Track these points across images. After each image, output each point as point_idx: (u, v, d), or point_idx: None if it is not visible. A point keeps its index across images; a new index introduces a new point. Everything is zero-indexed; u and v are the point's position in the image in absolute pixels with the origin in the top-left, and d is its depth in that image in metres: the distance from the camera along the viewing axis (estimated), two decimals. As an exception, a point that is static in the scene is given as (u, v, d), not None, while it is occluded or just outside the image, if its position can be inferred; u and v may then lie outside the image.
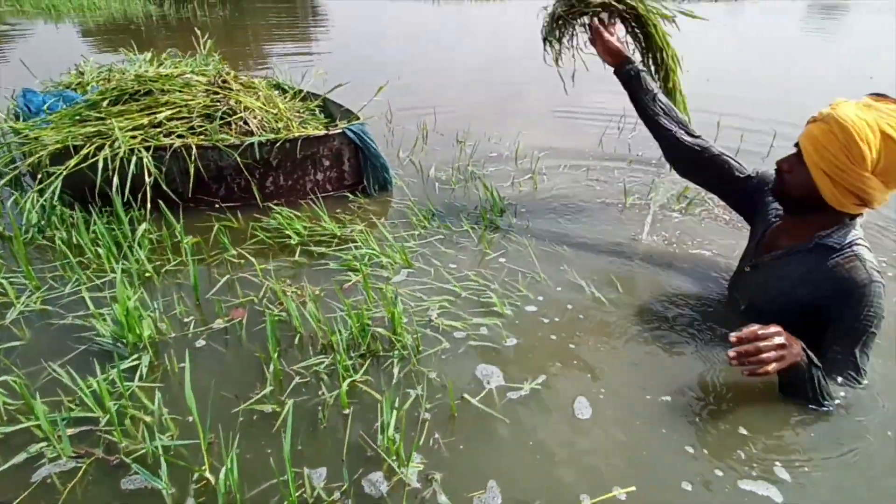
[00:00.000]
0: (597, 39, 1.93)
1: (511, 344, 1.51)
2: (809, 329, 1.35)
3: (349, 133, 2.56)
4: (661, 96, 1.86)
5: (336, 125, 2.86)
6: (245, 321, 1.62)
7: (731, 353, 1.19)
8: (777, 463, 1.18)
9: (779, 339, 1.19)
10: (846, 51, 8.28)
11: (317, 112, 3.15)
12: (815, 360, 1.26)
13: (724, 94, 4.67)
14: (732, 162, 1.75)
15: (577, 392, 1.35)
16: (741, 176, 1.73)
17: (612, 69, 1.94)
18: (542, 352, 1.50)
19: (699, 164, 1.79)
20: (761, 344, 1.18)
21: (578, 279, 1.84)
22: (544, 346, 1.52)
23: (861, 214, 1.40)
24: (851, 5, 17.47)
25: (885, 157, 1.24)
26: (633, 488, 1.10)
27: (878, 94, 1.33)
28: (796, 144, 1.40)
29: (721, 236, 2.22)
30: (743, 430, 1.25)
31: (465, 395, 1.32)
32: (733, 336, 1.20)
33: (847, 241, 1.37)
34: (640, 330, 1.61)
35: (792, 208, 1.49)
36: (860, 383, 1.33)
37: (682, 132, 1.81)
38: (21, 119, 2.73)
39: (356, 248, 2.01)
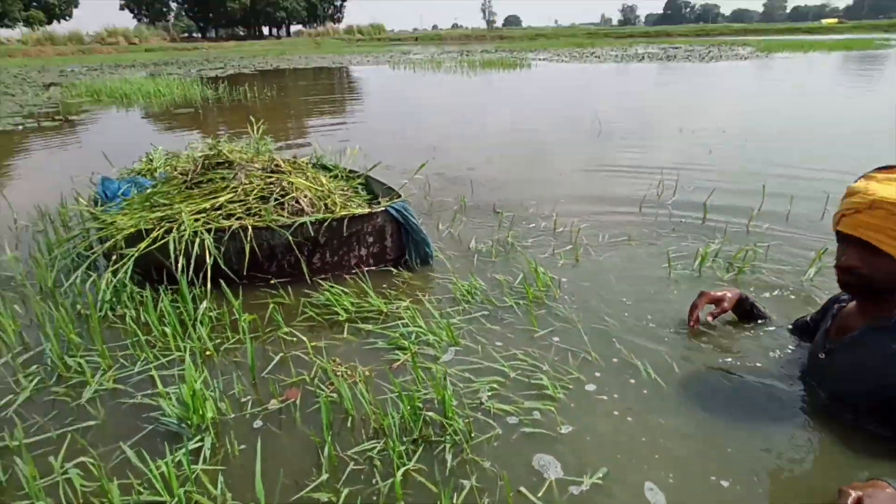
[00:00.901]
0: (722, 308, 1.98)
1: (567, 431, 1.49)
2: None
3: (391, 211, 2.69)
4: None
5: (378, 202, 3.02)
6: (299, 402, 1.67)
7: None
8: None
9: None
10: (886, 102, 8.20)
11: (359, 189, 3.33)
12: None
13: (766, 152, 4.69)
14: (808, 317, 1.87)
15: (645, 478, 1.32)
16: (809, 320, 1.86)
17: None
18: (600, 438, 1.47)
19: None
20: None
21: (633, 358, 1.82)
22: (602, 432, 1.49)
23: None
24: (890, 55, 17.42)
25: None
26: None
27: (886, 167, 1.40)
28: (845, 238, 1.41)
29: (777, 304, 2.17)
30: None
31: (523, 489, 1.31)
32: None
33: None
34: (702, 410, 1.57)
35: (870, 295, 1.46)
36: None
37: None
38: (99, 204, 2.99)
39: (403, 325, 2.07)
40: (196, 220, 2.55)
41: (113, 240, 2.45)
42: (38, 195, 4.00)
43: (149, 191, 2.91)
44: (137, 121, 8.16)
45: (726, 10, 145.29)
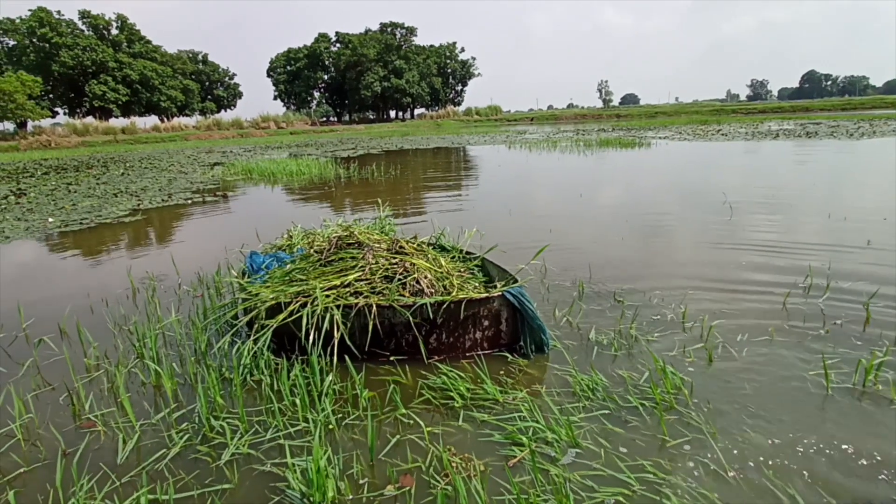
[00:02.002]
0: None
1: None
2: None
3: (508, 296, 2.69)
4: None
5: (494, 284, 3.06)
6: (413, 490, 1.66)
7: None
8: None
9: None
10: None
11: (476, 271, 3.41)
12: None
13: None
14: None
15: None
16: None
17: None
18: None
19: None
20: None
21: (783, 489, 1.59)
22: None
23: None
24: None
25: None
26: None
27: None
28: None
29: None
30: None
31: None
32: None
33: None
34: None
35: None
36: None
37: None
38: (246, 276, 3.37)
39: (520, 418, 2.01)
40: (327, 295, 2.77)
41: (256, 310, 2.72)
42: (199, 260, 4.63)
43: (288, 266, 3.23)
44: (281, 196, 9.24)
45: (877, 82, 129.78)
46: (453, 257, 3.65)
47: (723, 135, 19.38)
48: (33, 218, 7.37)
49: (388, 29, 67.48)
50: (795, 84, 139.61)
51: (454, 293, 2.84)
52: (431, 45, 69.96)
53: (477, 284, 3.14)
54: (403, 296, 2.78)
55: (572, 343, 2.77)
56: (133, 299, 3.88)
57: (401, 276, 2.89)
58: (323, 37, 66.75)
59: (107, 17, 50.76)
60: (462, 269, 3.36)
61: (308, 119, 57.61)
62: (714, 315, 2.97)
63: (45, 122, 43.12)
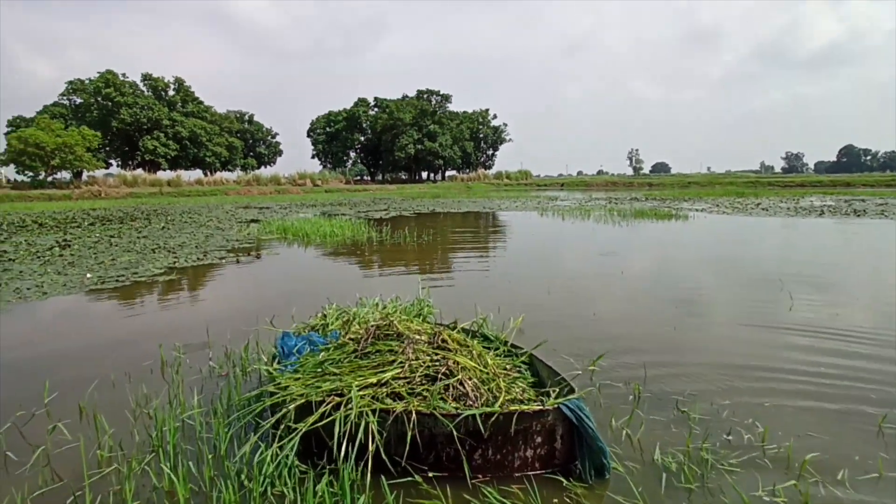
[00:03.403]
0: None
1: None
2: None
3: (565, 409, 2.39)
4: None
5: (547, 391, 2.75)
6: None
7: None
8: None
9: None
10: None
11: (523, 369, 3.12)
12: None
13: None
14: None
15: None
16: None
17: None
18: None
19: None
20: None
21: None
22: None
23: None
24: None
25: None
26: None
27: None
28: None
29: None
30: None
31: None
32: None
33: None
34: None
35: None
36: None
37: None
38: (276, 360, 3.17)
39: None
40: (362, 396, 2.52)
41: (283, 411, 2.48)
42: (229, 324, 4.46)
43: (321, 355, 3.01)
44: (314, 258, 9.22)
45: None
46: (497, 349, 3.38)
47: (763, 209, 18.92)
48: (73, 272, 7.45)
49: (425, 95, 70.45)
50: (832, 158, 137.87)
51: (501, 399, 2.56)
52: (465, 112, 72.48)
53: (525, 387, 2.85)
54: (445, 400, 2.52)
55: (634, 465, 2.42)
56: (161, 371, 3.71)
57: (443, 377, 2.63)
58: (362, 101, 70.05)
59: (166, 80, 54.60)
60: (508, 367, 3.08)
61: (343, 177, 59.49)
62: (799, 437, 2.59)
63: (99, 173, 45.72)
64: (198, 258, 8.74)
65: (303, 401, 2.53)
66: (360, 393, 2.53)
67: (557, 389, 2.69)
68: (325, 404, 2.48)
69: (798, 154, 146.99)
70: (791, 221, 14.52)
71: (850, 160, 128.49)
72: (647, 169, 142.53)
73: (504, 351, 3.38)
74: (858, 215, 15.82)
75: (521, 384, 2.89)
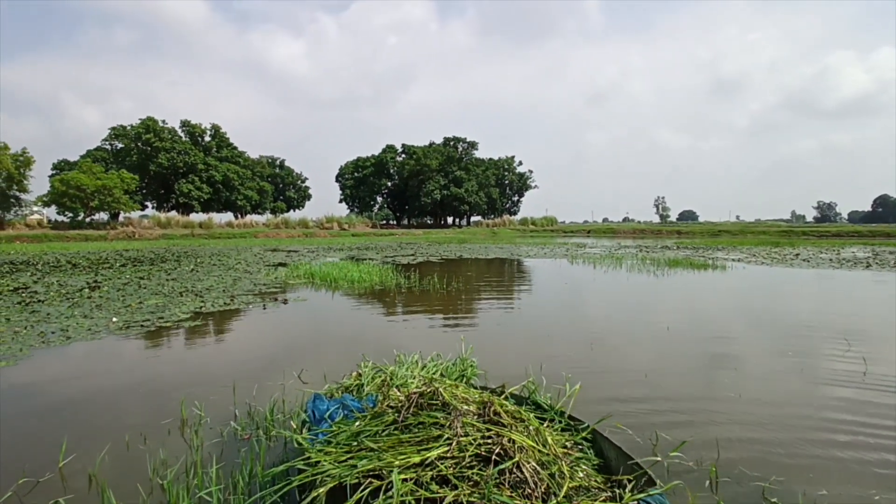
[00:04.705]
0: None
1: None
2: None
3: (647, 507, 2.00)
4: None
5: (620, 481, 2.35)
6: None
7: None
8: None
9: None
10: None
11: (585, 447, 2.72)
12: None
13: None
14: None
15: None
16: None
17: None
18: None
19: None
20: None
21: None
22: None
23: None
24: None
25: None
26: None
27: None
28: None
29: None
30: None
31: None
32: None
33: None
34: None
35: None
36: None
37: None
38: (307, 427, 2.84)
39: None
40: (404, 479, 2.17)
41: (314, 495, 2.14)
42: (255, 376, 4.18)
43: (356, 424, 2.68)
44: (342, 304, 8.96)
45: None
46: (552, 420, 2.99)
47: (804, 260, 18.12)
48: (100, 315, 7.34)
49: (451, 142, 71.87)
50: (867, 207, 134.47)
51: (565, 488, 2.17)
52: (491, 158, 73.48)
53: (590, 471, 2.45)
54: (500, 487, 2.15)
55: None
56: (181, 431, 3.42)
57: (497, 458, 2.26)
58: (390, 148, 71.76)
59: (203, 126, 57.06)
60: (568, 444, 2.70)
61: (369, 221, 60.27)
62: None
63: (135, 214, 47.29)
64: (224, 303, 8.58)
65: (335, 482, 2.20)
66: (402, 476, 2.18)
67: (633, 479, 2.29)
68: (361, 489, 2.14)
69: (831, 203, 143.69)
70: (840, 275, 13.77)
71: (887, 210, 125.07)
72: (673, 216, 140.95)
73: (559, 420, 3.00)
74: (909, 268, 14.96)
75: (584, 467, 2.50)
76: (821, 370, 4.88)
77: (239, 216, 56.14)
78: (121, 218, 45.61)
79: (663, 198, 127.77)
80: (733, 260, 18.05)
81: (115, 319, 7.01)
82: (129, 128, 52.23)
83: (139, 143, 51.60)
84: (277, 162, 73.08)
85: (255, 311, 8.02)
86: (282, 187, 72.51)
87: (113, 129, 52.53)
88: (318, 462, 2.38)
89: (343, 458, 2.39)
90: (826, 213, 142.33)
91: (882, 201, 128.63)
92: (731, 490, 2.70)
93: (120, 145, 52.74)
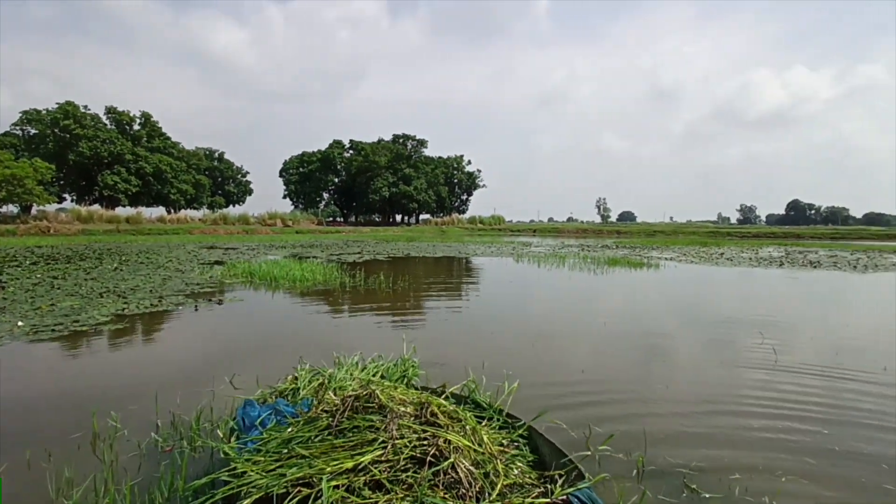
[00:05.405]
0: None
1: None
2: None
3: (575, 502, 2.02)
4: None
5: (552, 475, 2.37)
6: None
7: None
8: None
9: None
10: None
11: (521, 444, 2.73)
12: None
13: None
14: None
15: None
16: None
17: None
18: None
19: None
20: None
21: None
22: None
23: None
24: None
25: None
26: None
27: None
28: None
29: None
30: None
31: None
32: None
33: None
34: None
35: None
36: None
37: None
38: (235, 435, 2.69)
39: None
40: (335, 486, 2.08)
41: (238, 506, 2.02)
42: (180, 384, 3.91)
43: (288, 430, 2.55)
44: (283, 304, 8.65)
45: (857, 213, 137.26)
46: (490, 418, 2.98)
47: (727, 259, 19.32)
48: (3, 319, 6.70)
49: (401, 140, 71.35)
50: (781, 210, 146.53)
51: (499, 486, 2.16)
52: (440, 157, 73.49)
53: (524, 468, 2.46)
54: (434, 489, 2.10)
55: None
56: (92, 446, 3.15)
57: (432, 459, 2.22)
58: (337, 143, 70.34)
59: (131, 114, 53.55)
60: (505, 442, 2.69)
61: (315, 218, 58.82)
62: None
63: (50, 207, 43.65)
64: (151, 304, 8.06)
65: (262, 493, 2.08)
66: (333, 483, 2.09)
67: (564, 474, 2.31)
68: (288, 498, 2.03)
69: (751, 206, 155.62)
70: (758, 273, 14.76)
71: (797, 213, 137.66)
72: (614, 217, 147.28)
73: (497, 418, 2.99)
74: (815, 267, 16.25)
75: (519, 464, 2.50)
76: (739, 359, 5.17)
77: (172, 211, 53.19)
78: (34, 211, 41.91)
79: (605, 199, 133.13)
80: (666, 259, 18.95)
81: (20, 324, 6.42)
82: (44, 112, 48.03)
83: (56, 130, 47.55)
84: (216, 154, 69.76)
85: (186, 312, 7.60)
86: (221, 181, 69.39)
87: (25, 112, 48.06)
88: (245, 472, 2.25)
89: (272, 467, 2.27)
90: (748, 215, 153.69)
91: (794, 205, 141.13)
92: (656, 479, 2.78)
93: (33, 131, 48.31)
